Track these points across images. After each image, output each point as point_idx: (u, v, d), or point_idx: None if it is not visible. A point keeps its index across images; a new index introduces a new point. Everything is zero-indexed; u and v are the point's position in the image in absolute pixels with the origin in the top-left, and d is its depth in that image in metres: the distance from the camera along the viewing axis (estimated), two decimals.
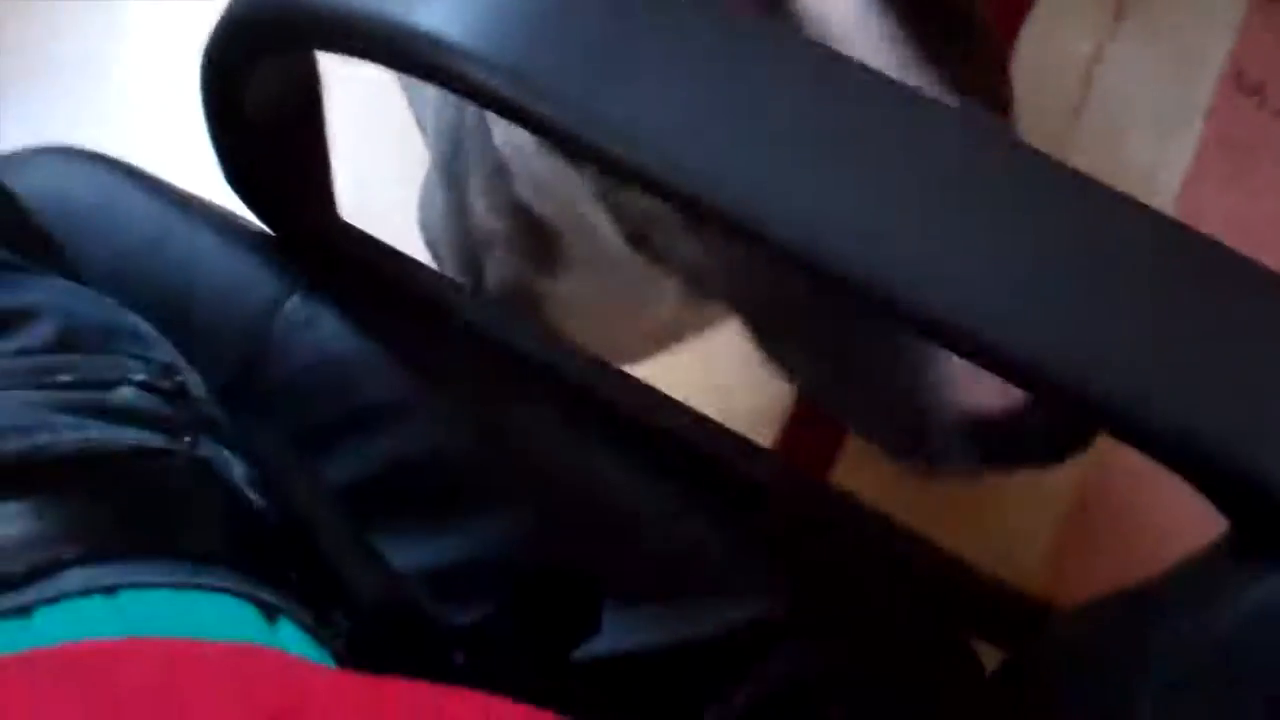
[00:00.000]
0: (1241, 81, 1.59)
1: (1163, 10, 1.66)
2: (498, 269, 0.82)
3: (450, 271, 0.85)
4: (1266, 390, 0.37)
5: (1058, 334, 0.37)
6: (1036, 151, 0.40)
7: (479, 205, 0.80)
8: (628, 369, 0.65)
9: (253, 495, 0.54)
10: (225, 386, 0.58)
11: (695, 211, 0.41)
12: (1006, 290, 0.37)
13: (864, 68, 0.43)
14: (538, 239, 0.77)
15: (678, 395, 0.64)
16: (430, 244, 0.91)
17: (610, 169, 0.41)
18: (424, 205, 0.93)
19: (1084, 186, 0.39)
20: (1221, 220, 1.45)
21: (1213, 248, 0.38)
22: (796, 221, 0.38)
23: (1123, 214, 0.38)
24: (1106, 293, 0.38)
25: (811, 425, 1.33)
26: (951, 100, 0.53)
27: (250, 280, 0.62)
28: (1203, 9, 1.62)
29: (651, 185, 0.39)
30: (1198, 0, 1.63)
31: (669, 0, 0.40)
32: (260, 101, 0.50)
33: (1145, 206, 0.38)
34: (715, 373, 1.23)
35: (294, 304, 0.60)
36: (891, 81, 0.43)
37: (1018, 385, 0.40)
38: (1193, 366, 0.37)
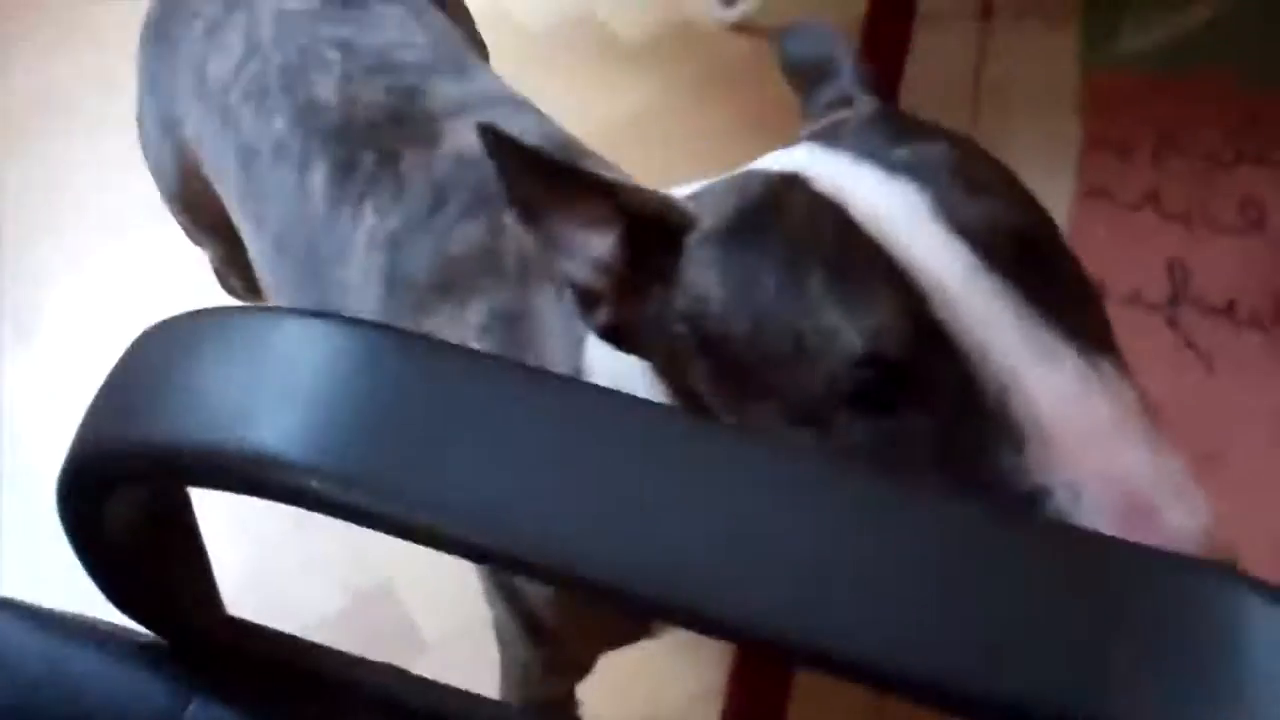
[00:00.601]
0: None
1: None
2: None
3: None
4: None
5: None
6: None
7: None
8: None
9: None
10: None
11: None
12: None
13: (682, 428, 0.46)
14: None
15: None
16: None
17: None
18: None
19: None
20: None
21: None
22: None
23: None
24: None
25: (753, 694, 1.31)
26: (1068, 347, 0.61)
27: (144, 696, 0.60)
28: None
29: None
30: None
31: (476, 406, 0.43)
32: (121, 524, 0.50)
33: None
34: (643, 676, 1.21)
35: (191, 713, 0.58)
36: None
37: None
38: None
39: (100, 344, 1.54)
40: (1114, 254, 1.66)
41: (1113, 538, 0.44)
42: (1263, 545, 1.44)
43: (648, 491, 0.41)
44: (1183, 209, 1.70)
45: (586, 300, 0.73)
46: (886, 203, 0.65)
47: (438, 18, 1.18)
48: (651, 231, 0.71)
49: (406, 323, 0.96)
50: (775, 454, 0.44)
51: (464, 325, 0.93)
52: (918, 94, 1.86)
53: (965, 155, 0.69)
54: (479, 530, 0.41)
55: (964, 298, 0.62)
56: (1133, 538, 0.52)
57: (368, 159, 1.02)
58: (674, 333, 0.71)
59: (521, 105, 1.09)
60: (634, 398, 0.44)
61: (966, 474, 0.61)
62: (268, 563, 1.40)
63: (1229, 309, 1.60)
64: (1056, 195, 1.72)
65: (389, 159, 1.01)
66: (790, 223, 0.67)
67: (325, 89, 1.06)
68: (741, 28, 1.99)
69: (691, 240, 0.71)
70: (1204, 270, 1.64)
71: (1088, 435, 0.59)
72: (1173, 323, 1.60)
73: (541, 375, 0.47)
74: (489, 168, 0.97)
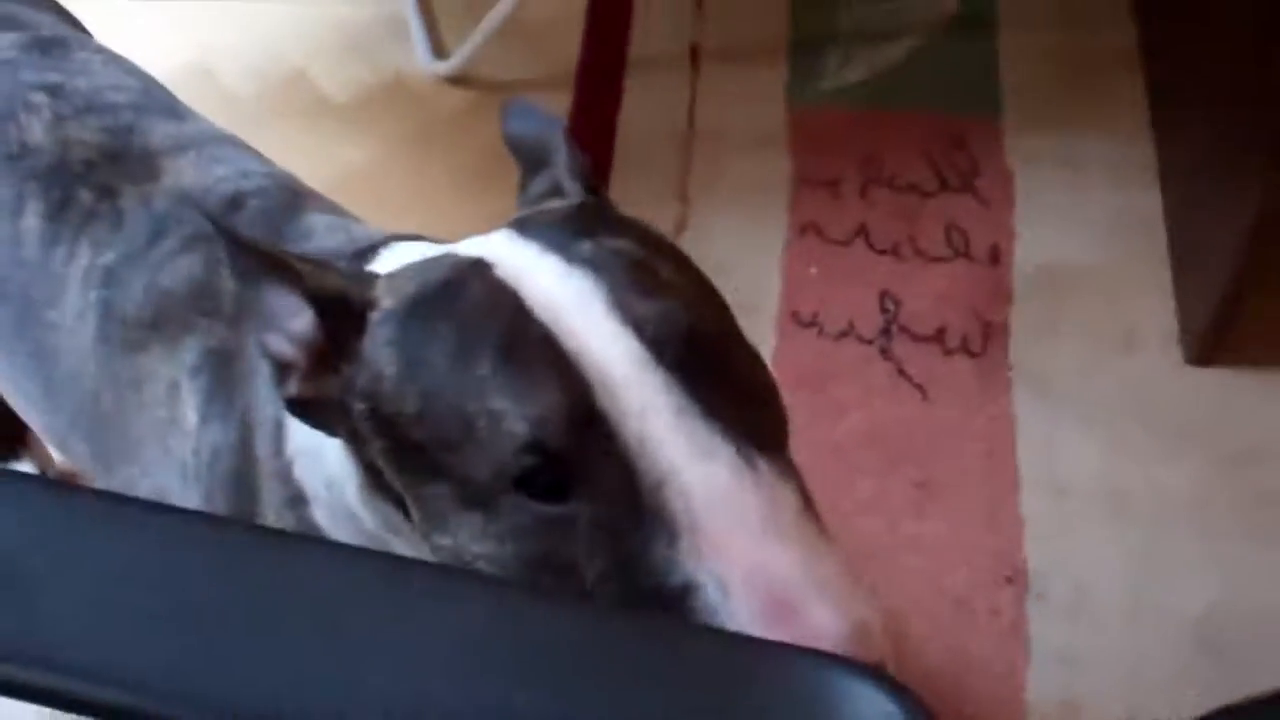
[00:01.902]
0: (798, 318, 1.68)
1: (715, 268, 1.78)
2: None
3: None
4: None
5: None
6: None
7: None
8: None
9: None
10: None
11: None
12: None
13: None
14: None
15: None
16: None
17: None
18: None
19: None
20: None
21: None
22: None
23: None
24: None
25: None
26: (727, 443, 0.63)
27: None
28: (750, 250, 1.72)
29: None
30: (745, 244, 1.74)
31: None
32: None
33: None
34: None
35: None
36: None
37: None
38: None
39: None
40: (827, 289, 1.70)
41: (721, 634, 0.44)
42: (980, 565, 1.48)
43: None
44: (892, 241, 1.74)
45: (281, 371, 0.75)
46: (563, 294, 0.67)
47: (138, 67, 1.16)
48: (340, 310, 0.73)
49: (119, 361, 0.95)
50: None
51: (176, 364, 0.92)
52: (632, 140, 1.87)
53: (652, 253, 0.72)
54: None
55: (627, 390, 0.64)
56: (775, 635, 0.56)
57: (85, 196, 0.99)
58: (355, 410, 0.72)
59: (240, 146, 1.07)
60: None
61: (628, 563, 0.62)
62: None
63: (938, 336, 1.65)
64: (771, 232, 1.75)
65: (107, 194, 0.99)
66: (465, 307, 0.69)
67: (35, 132, 1.03)
68: (456, 80, 1.97)
69: (373, 319, 0.72)
70: (914, 300, 1.68)
71: (737, 531, 0.61)
72: (886, 353, 1.64)
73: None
74: (208, 203, 0.97)
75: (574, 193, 0.80)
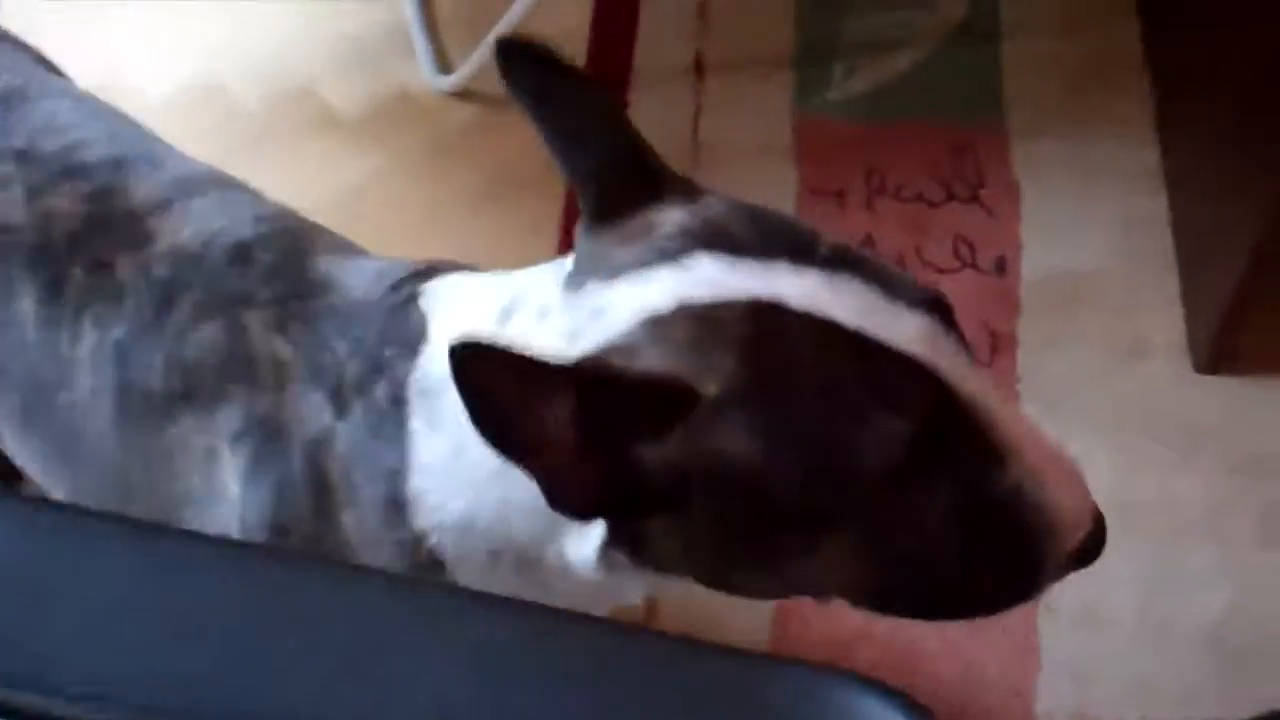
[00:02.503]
0: None
1: None
2: None
3: None
4: None
5: None
6: None
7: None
8: None
9: None
10: None
11: None
12: None
13: None
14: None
15: None
16: None
17: None
18: None
19: None
20: None
21: None
22: None
23: None
24: None
25: None
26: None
27: None
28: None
29: None
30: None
31: None
32: None
33: None
34: None
35: None
36: None
37: None
38: None
39: None
40: None
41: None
42: None
43: None
44: (898, 252, 1.74)
45: (553, 484, 0.71)
46: (850, 300, 0.71)
47: (99, 102, 1.12)
48: (614, 403, 0.70)
49: (146, 434, 0.92)
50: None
51: (213, 432, 0.89)
52: None
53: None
54: None
55: (946, 363, 0.71)
56: (1070, 493, 0.74)
57: (77, 273, 0.96)
58: (668, 495, 0.72)
59: (228, 185, 1.04)
60: None
61: (979, 500, 0.73)
62: None
63: None
64: None
65: (100, 268, 0.96)
66: (802, 359, 0.70)
67: (12, 209, 0.99)
68: (461, 94, 1.97)
69: (704, 408, 0.70)
70: None
71: (1034, 440, 0.74)
72: None
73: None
74: (212, 262, 0.93)
75: (713, 200, 0.79)
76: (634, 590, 0.86)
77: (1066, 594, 1.45)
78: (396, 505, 0.83)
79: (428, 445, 0.81)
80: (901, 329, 0.71)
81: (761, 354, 0.70)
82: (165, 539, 0.47)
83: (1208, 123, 1.67)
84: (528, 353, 0.66)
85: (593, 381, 0.69)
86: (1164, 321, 1.67)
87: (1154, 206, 1.77)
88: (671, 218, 0.77)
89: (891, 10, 1.99)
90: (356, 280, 0.91)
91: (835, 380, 0.70)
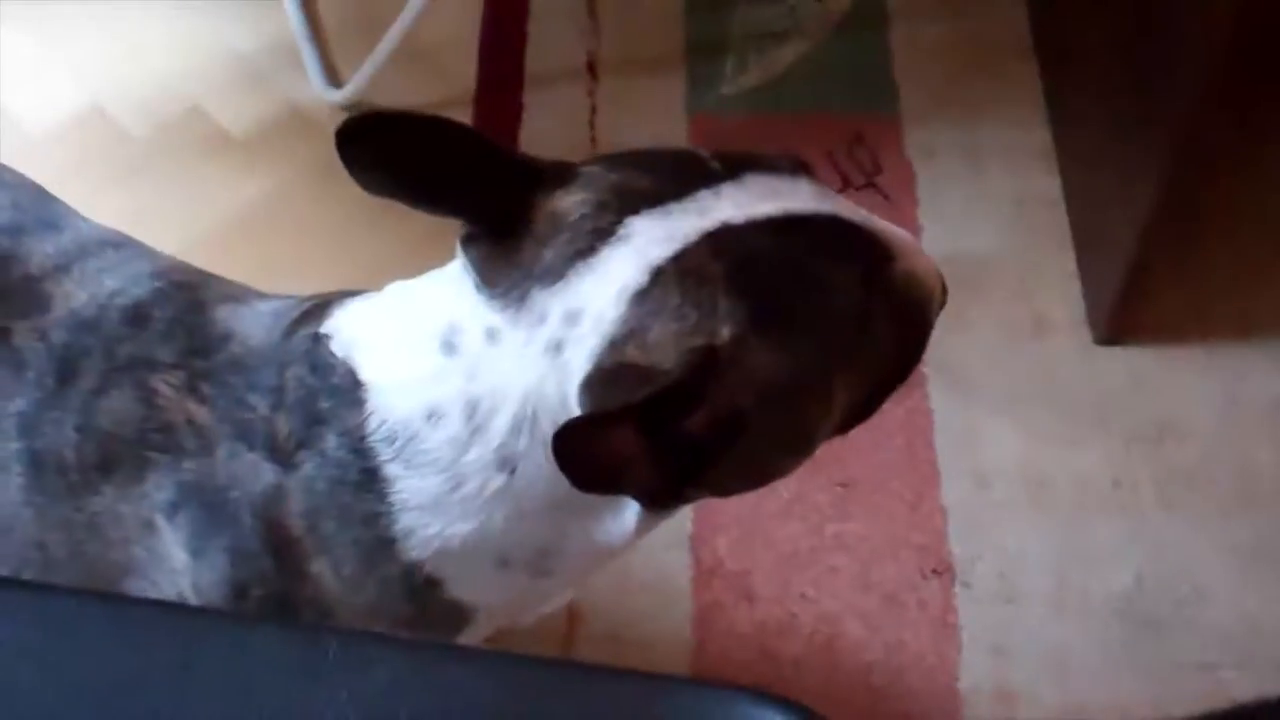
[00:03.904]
0: None
1: None
2: None
3: None
4: None
5: None
6: None
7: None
8: None
9: None
10: None
11: None
12: None
13: None
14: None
15: None
16: None
17: None
18: None
19: None
20: None
21: None
22: None
23: None
24: None
25: None
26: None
27: None
28: None
29: None
30: None
31: None
32: None
33: None
34: None
35: None
36: None
37: None
38: None
39: None
40: None
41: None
42: (906, 559, 1.49)
43: None
44: None
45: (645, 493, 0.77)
46: (764, 193, 0.78)
47: (7, 170, 1.09)
48: (663, 405, 0.73)
49: (65, 507, 0.90)
50: None
51: (143, 505, 0.87)
52: (535, 154, 1.86)
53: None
54: None
55: (840, 207, 0.81)
56: (932, 268, 0.85)
57: None
58: (726, 434, 0.76)
59: (122, 245, 1.00)
60: None
61: (890, 293, 0.82)
62: None
63: None
64: None
65: None
66: (770, 260, 0.76)
67: None
68: (354, 107, 1.95)
69: (725, 352, 0.74)
70: None
71: (902, 237, 0.84)
72: None
73: None
74: (110, 325, 0.91)
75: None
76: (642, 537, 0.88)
77: (981, 570, 1.48)
78: (382, 544, 0.83)
79: (412, 485, 0.82)
80: (805, 196, 0.79)
81: (742, 277, 0.75)
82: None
83: (1096, 102, 1.70)
84: (596, 414, 0.72)
85: (645, 403, 0.71)
86: (1063, 297, 1.69)
87: (1047, 186, 1.79)
88: (574, 200, 0.79)
89: (779, 1, 2.00)
90: (252, 328, 0.90)
91: (799, 261, 0.77)
